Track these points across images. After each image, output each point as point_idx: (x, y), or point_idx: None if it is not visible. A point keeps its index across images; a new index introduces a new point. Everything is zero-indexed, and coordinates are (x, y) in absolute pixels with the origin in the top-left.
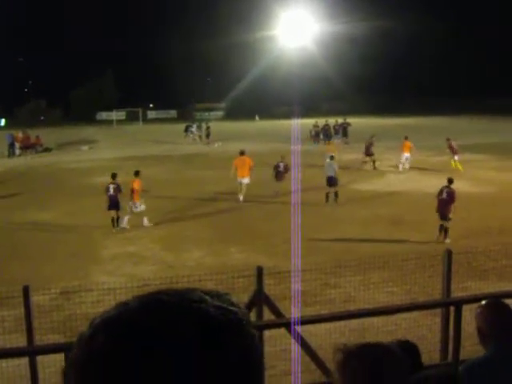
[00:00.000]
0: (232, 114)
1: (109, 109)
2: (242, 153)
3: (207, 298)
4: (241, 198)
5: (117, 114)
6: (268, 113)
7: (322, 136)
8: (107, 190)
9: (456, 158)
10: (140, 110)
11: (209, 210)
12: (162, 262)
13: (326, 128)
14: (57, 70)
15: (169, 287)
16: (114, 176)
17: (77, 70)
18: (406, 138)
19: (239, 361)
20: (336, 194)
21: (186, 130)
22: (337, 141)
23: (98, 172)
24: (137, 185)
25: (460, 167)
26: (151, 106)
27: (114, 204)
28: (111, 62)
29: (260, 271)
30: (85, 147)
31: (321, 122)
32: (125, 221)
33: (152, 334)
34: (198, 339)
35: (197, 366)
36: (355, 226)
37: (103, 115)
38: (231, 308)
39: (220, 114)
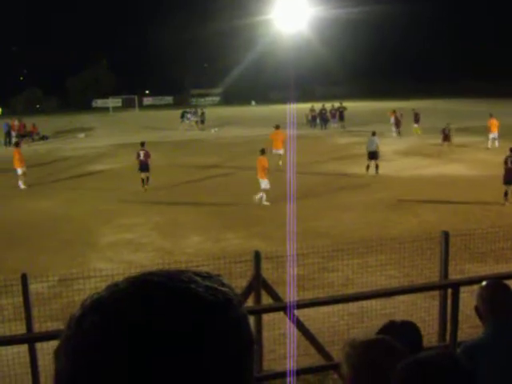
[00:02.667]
0: (228, 100)
1: (105, 96)
2: (277, 127)
3: (197, 278)
4: (280, 163)
5: (113, 101)
6: (264, 98)
7: (318, 120)
8: (138, 155)
9: (415, 125)
10: (136, 97)
11: (205, 196)
12: (159, 248)
13: (322, 112)
14: (52, 59)
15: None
16: (142, 144)
17: (72, 59)
18: (491, 116)
19: (227, 340)
20: (377, 167)
21: (183, 116)
22: (334, 125)
23: (95, 159)
24: (265, 162)
25: (419, 132)
26: (147, 92)
27: (144, 167)
28: (106, 49)
29: (258, 256)
30: (81, 135)
31: (317, 106)
32: (263, 198)
33: (140, 314)
34: (186, 318)
35: (184, 345)
36: (353, 211)
37: (99, 103)
38: (221, 288)
39: (216, 99)
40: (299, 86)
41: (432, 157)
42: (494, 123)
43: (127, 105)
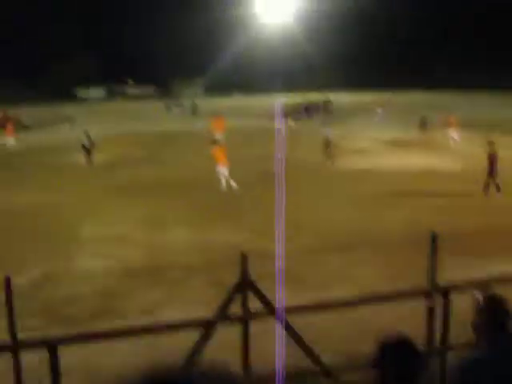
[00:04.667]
0: (211, 90)
1: (87, 86)
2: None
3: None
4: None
5: (95, 91)
6: (247, 88)
7: (303, 113)
8: None
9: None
10: (118, 87)
11: (191, 189)
12: (145, 242)
13: (307, 106)
14: (34, 48)
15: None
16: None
17: (53, 47)
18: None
19: None
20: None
21: (168, 107)
22: (318, 119)
23: (79, 150)
24: (220, 151)
25: None
26: (130, 81)
27: None
28: (88, 38)
29: (244, 258)
30: (65, 125)
31: (301, 98)
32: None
33: None
34: None
35: None
36: (340, 205)
37: (82, 92)
38: None
39: (199, 89)
40: (283, 76)
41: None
42: (452, 120)
43: (110, 94)
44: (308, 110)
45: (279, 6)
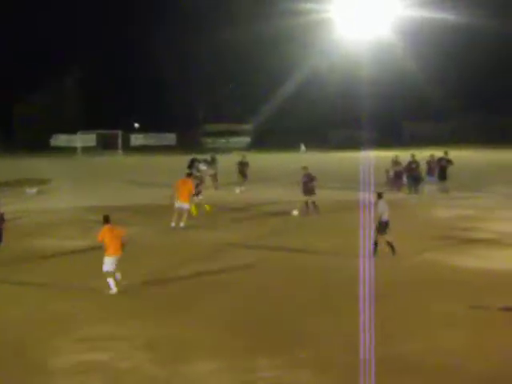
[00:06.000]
0: (263, 142)
1: (71, 131)
2: (188, 175)
3: None
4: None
5: (83, 139)
6: (319, 140)
7: (405, 179)
8: None
9: None
10: (119, 133)
11: (217, 299)
12: (149, 380)
13: (412, 167)
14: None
15: None
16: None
17: (23, 76)
18: None
19: None
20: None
21: (191, 165)
22: (430, 187)
23: (47, 231)
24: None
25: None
26: (136, 126)
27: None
28: (75, 61)
29: None
30: (32, 190)
31: (404, 156)
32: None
33: None
34: None
35: None
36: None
37: (62, 139)
38: None
39: (245, 140)
40: (376, 122)
41: None
42: None
43: (105, 144)
44: (413, 173)
45: (369, 13)
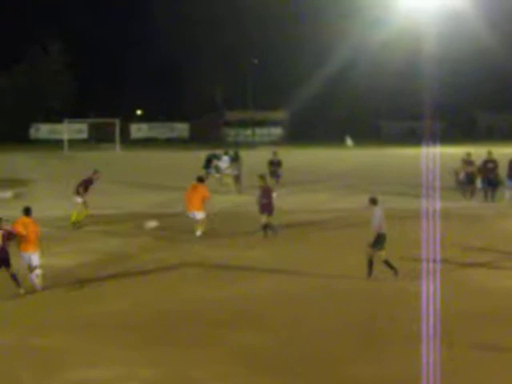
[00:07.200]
0: (299, 134)
1: (55, 119)
2: (199, 179)
3: None
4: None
5: (71, 129)
6: (370, 133)
7: (479, 182)
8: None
9: None
10: (117, 122)
11: (230, 330)
12: None
13: (488, 167)
14: None
15: None
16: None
17: None
18: None
19: None
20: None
21: (208, 164)
22: (511, 192)
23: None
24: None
25: None
26: (139, 113)
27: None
28: (62, 31)
29: None
30: (5, 193)
31: (478, 154)
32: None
33: None
34: None
35: None
36: None
37: (44, 130)
38: None
39: (276, 132)
40: (443, 112)
41: None
42: None
43: (99, 136)
44: (488, 176)
45: None
